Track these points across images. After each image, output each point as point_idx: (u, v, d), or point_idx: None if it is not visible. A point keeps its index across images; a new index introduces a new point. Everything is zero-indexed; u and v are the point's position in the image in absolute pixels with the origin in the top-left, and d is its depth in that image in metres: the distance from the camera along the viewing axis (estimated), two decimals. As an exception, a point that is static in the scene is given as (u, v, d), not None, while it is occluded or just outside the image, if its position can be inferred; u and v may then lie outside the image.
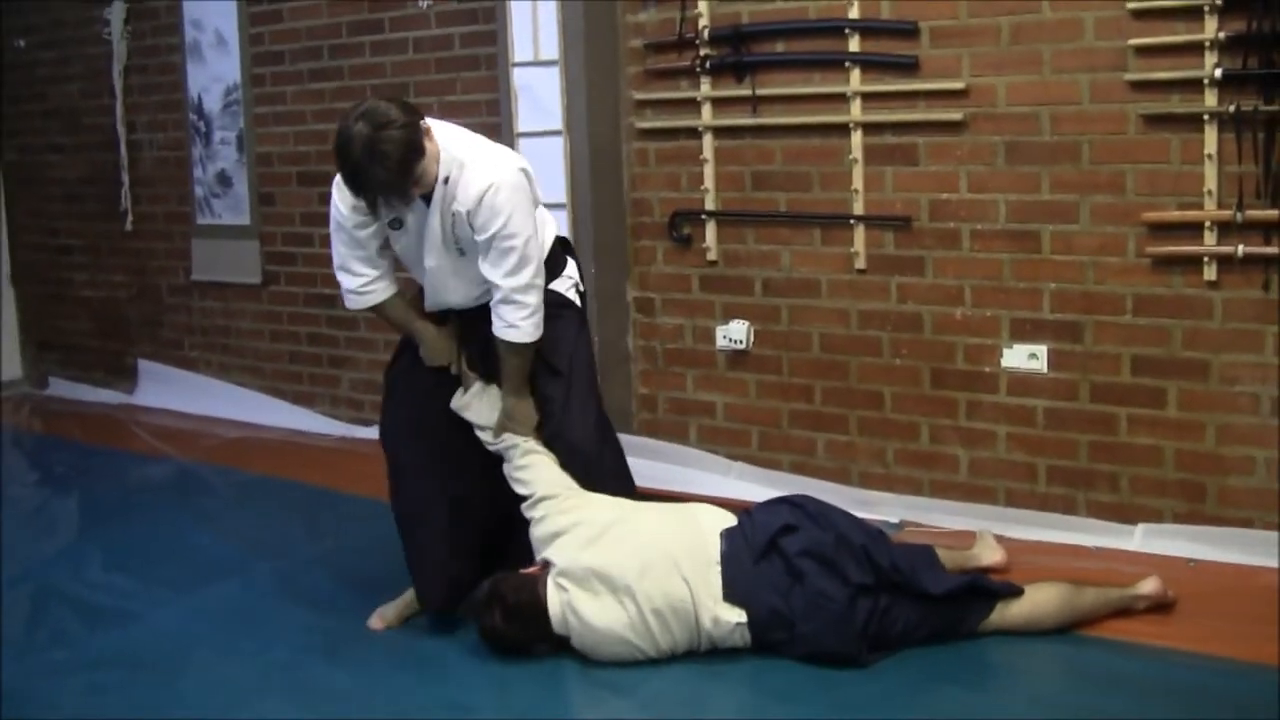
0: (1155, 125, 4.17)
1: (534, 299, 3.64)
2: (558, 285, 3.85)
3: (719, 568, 3.53)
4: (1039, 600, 3.67)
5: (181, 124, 6.84)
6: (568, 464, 3.81)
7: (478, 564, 3.89)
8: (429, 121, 3.57)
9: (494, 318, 3.66)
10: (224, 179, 6.69)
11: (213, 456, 6.13)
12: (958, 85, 4.49)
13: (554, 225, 3.94)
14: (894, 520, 4.62)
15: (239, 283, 6.73)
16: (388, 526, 4.09)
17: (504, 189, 3.54)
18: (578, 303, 3.95)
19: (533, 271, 3.62)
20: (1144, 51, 4.15)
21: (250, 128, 6.54)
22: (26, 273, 7.82)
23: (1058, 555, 4.29)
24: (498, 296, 3.62)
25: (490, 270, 3.60)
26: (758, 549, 3.54)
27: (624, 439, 4.57)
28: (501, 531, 3.95)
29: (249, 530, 5.05)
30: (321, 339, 6.45)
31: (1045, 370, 4.47)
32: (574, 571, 3.57)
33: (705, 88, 5.01)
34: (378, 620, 4.02)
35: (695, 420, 5.23)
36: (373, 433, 5.94)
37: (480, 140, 3.73)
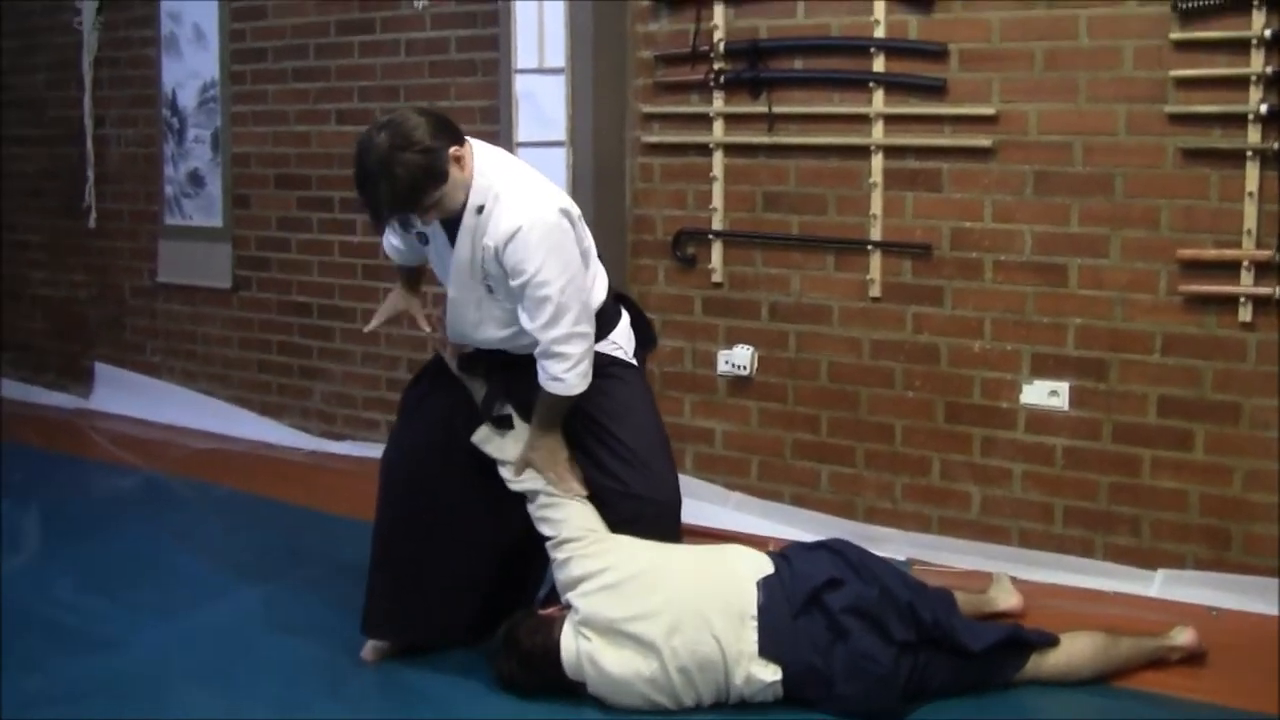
0: (1194, 160, 4.05)
1: (576, 349, 3.38)
2: (604, 348, 3.58)
3: (755, 621, 3.33)
4: (1074, 650, 3.52)
5: (154, 120, 6.59)
6: (656, 523, 3.57)
7: (450, 603, 3.71)
8: (474, 144, 3.39)
9: (538, 367, 3.43)
10: (196, 178, 6.43)
11: (181, 468, 5.83)
12: (987, 111, 4.36)
13: (605, 280, 3.66)
14: (901, 558, 4.44)
15: (208, 286, 6.46)
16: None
17: (537, 230, 3.29)
18: (631, 361, 3.69)
19: (572, 320, 3.35)
20: (1185, 84, 4.04)
21: (227, 126, 6.30)
22: (-23, 268, 7.51)
23: (1074, 599, 4.16)
24: (539, 349, 3.39)
25: (527, 321, 3.37)
26: (798, 602, 3.34)
27: None
28: (514, 566, 3.77)
29: (230, 550, 4.77)
30: (293, 348, 6.20)
31: (1066, 408, 4.33)
32: (596, 622, 3.36)
33: (718, 103, 4.85)
34: (370, 652, 3.79)
35: (692, 447, 5.04)
36: (346, 448, 5.80)
37: (526, 173, 3.50)
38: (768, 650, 3.32)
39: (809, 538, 4.13)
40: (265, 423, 6.30)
